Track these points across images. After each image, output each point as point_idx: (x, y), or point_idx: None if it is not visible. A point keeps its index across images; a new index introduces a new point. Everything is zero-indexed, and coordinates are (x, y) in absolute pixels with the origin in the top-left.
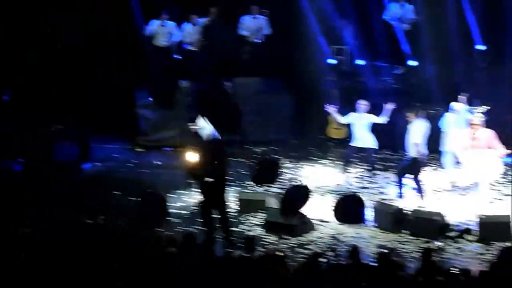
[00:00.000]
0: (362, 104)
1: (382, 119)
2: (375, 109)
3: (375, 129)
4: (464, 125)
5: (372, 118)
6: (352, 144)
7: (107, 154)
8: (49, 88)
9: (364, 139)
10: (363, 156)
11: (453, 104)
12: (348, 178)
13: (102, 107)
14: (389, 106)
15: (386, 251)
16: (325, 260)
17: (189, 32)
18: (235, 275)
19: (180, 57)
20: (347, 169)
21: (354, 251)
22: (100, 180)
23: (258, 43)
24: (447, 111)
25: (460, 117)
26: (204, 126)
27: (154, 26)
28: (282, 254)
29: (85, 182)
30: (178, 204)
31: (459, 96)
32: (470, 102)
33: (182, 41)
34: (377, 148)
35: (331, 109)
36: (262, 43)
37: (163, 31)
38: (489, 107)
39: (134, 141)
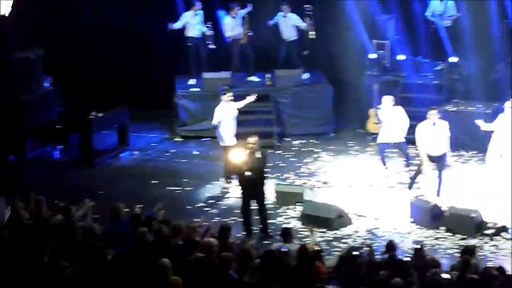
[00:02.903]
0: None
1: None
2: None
3: None
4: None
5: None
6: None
7: (145, 144)
8: (89, 75)
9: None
10: (400, 151)
11: (507, 103)
12: (385, 172)
13: (142, 97)
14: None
15: (419, 246)
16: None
17: (230, 24)
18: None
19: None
20: (385, 164)
21: (390, 246)
22: (136, 169)
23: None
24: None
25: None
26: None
27: (186, 17)
28: (319, 248)
29: (123, 171)
30: (215, 195)
31: None
32: None
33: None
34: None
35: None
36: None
37: (194, 22)
38: None
39: (172, 131)
